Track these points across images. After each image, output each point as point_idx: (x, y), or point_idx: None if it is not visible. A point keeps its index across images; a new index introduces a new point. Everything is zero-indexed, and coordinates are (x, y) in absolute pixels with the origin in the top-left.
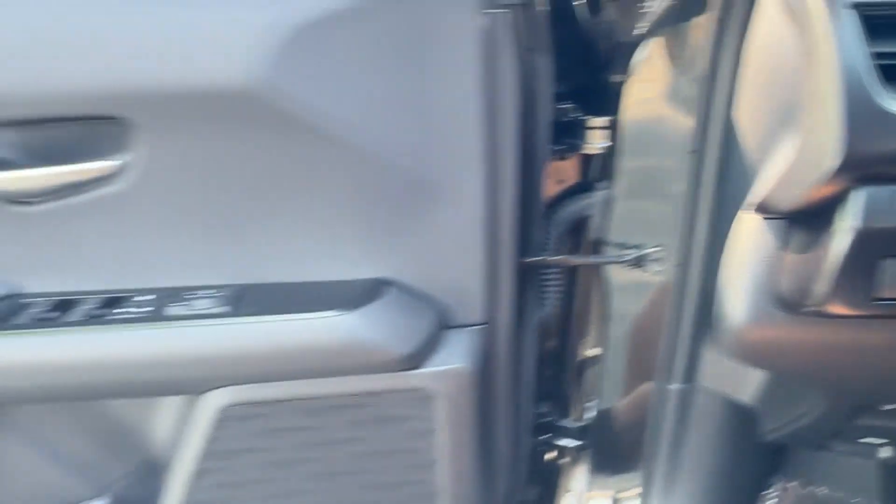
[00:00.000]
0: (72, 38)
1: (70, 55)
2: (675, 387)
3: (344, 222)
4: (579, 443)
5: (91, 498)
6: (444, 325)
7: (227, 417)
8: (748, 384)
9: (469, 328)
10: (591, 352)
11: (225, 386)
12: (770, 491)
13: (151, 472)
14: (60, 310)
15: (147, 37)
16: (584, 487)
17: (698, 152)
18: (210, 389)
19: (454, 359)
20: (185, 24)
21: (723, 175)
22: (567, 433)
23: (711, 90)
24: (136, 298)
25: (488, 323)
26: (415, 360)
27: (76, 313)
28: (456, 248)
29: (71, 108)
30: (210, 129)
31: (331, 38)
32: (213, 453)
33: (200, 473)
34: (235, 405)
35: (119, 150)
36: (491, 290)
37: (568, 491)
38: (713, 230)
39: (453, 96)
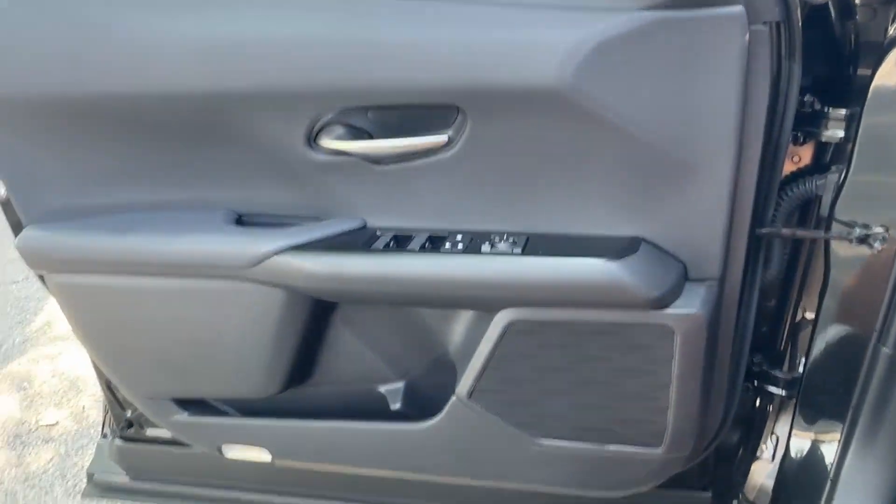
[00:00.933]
0: (423, 49)
1: (421, 61)
2: (888, 351)
3: (614, 192)
4: (786, 392)
5: (395, 380)
6: (686, 277)
7: (512, 330)
8: None
9: (706, 282)
10: (805, 314)
11: (514, 307)
12: None
13: (440, 367)
14: (400, 241)
15: (481, 46)
16: (787, 431)
17: None
18: (503, 308)
19: (692, 305)
20: (510, 40)
21: None
22: (776, 382)
23: None
24: (456, 237)
25: (721, 279)
26: (662, 302)
27: (413, 244)
28: (703, 217)
29: (422, 98)
30: (519, 116)
31: (622, 52)
32: (498, 356)
33: (487, 369)
34: (519, 321)
35: (447, 128)
36: (727, 252)
37: (773, 433)
38: None
39: (715, 97)
